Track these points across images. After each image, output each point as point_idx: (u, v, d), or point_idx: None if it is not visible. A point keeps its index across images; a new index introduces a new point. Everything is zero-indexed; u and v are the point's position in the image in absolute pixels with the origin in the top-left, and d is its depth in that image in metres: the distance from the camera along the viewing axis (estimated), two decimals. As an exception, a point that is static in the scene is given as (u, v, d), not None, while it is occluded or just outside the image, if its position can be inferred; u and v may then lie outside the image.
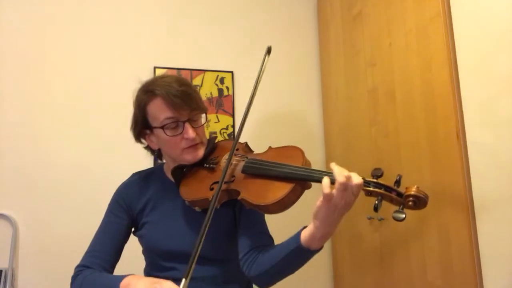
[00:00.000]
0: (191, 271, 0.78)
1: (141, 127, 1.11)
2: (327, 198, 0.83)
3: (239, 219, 1.10)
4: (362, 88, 1.87)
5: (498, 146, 1.19)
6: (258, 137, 2.16)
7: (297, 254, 0.91)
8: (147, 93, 1.08)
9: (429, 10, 1.43)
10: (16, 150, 1.84)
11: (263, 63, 1.10)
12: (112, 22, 2.05)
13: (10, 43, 1.90)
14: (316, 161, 2.21)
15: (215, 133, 2.11)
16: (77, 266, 1.10)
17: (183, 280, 0.76)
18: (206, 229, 0.84)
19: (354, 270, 1.93)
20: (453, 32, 1.35)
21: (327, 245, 2.25)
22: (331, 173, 0.84)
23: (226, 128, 2.13)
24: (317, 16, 2.37)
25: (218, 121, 2.12)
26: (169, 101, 1.04)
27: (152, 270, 1.16)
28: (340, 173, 0.83)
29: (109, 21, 2.05)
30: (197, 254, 0.82)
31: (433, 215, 1.40)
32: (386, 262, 1.67)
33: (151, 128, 1.10)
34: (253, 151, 1.15)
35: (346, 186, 0.82)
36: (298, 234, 0.91)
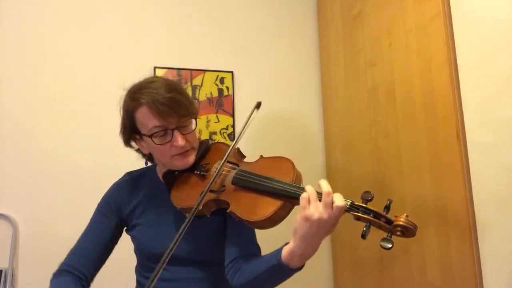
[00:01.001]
0: (155, 280, 0.77)
1: (130, 132, 1.10)
2: (304, 209, 0.83)
3: (228, 225, 1.10)
4: (362, 88, 1.86)
5: (498, 146, 1.19)
6: (257, 136, 2.16)
7: (277, 270, 0.91)
8: (133, 100, 1.05)
9: (429, 10, 1.43)
10: (16, 150, 1.84)
11: (250, 116, 1.07)
12: (112, 22, 2.05)
13: (10, 43, 1.90)
14: (316, 162, 2.22)
15: (215, 133, 2.11)
16: (60, 265, 1.09)
17: None
18: (181, 235, 0.83)
19: (354, 271, 1.93)
20: (453, 32, 1.35)
21: (327, 247, 2.26)
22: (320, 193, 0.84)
23: (226, 128, 2.13)
24: (317, 16, 2.37)
25: (218, 121, 2.12)
26: (155, 110, 1.00)
27: (142, 270, 1.16)
28: (312, 191, 0.84)
29: (109, 21, 2.05)
30: (166, 260, 0.80)
31: (433, 215, 1.40)
32: (386, 263, 1.67)
33: (140, 134, 1.08)
34: (245, 156, 1.14)
35: (326, 203, 0.82)
36: (280, 250, 0.91)
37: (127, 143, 1.14)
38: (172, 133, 1.04)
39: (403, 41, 1.58)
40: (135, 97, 1.05)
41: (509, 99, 1.16)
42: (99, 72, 1.99)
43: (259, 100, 1.11)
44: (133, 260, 1.21)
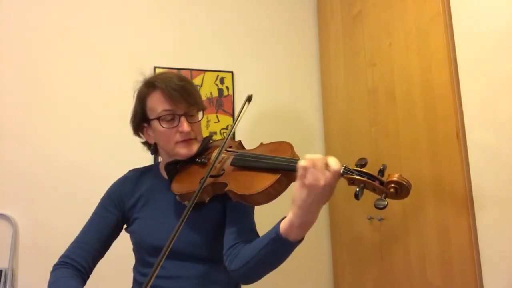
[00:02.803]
0: (153, 278, 0.78)
1: (140, 120, 1.15)
2: (301, 176, 0.83)
3: (227, 216, 1.10)
4: (362, 88, 1.87)
5: (498, 146, 1.19)
6: (257, 136, 2.15)
7: (276, 244, 0.89)
8: (147, 85, 1.13)
9: (429, 10, 1.43)
10: (16, 150, 1.85)
11: (241, 110, 1.11)
12: (112, 22, 2.05)
13: (11, 42, 1.90)
14: (316, 161, 2.21)
15: (215, 133, 2.11)
16: (61, 256, 1.11)
17: None
18: (184, 220, 0.84)
19: (354, 270, 1.93)
20: (453, 32, 1.35)
21: (326, 245, 2.26)
22: None
23: (226, 128, 2.13)
24: (317, 16, 2.37)
25: (218, 121, 2.12)
26: (167, 94, 1.08)
27: (139, 266, 1.16)
28: (310, 159, 0.83)
29: (109, 21, 2.05)
30: (170, 248, 0.82)
31: (433, 215, 1.40)
32: (386, 262, 1.67)
33: (148, 121, 1.13)
34: (245, 149, 1.17)
35: (314, 162, 0.81)
36: (277, 224, 0.90)
37: (135, 131, 1.19)
38: (179, 119, 1.10)
39: (403, 41, 1.58)
40: (150, 81, 1.13)
41: (509, 99, 1.16)
42: (100, 72, 1.99)
43: (250, 94, 1.16)
44: (131, 260, 1.21)
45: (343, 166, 0.85)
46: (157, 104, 1.10)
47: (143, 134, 1.19)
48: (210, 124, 2.11)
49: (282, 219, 0.90)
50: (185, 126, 1.09)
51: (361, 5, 1.88)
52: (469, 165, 1.28)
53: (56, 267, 1.09)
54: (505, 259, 1.16)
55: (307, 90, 2.32)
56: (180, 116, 1.10)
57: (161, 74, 1.16)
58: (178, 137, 1.10)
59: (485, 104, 1.23)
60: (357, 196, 0.82)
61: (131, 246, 1.19)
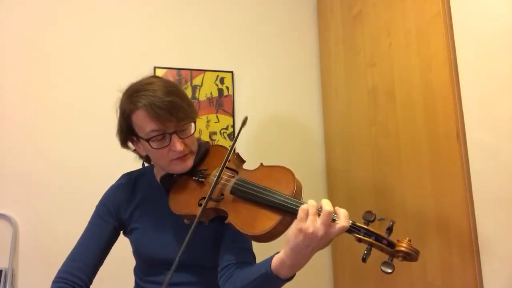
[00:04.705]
0: None
1: (127, 134, 1.07)
2: (300, 223, 0.81)
3: (225, 230, 1.08)
4: (362, 88, 1.86)
5: (498, 146, 1.19)
6: (257, 137, 2.16)
7: (266, 279, 0.88)
8: (130, 103, 1.02)
9: (429, 10, 1.43)
10: (17, 150, 1.85)
11: (238, 133, 1.03)
12: (112, 22, 2.05)
13: (11, 43, 1.90)
14: (316, 162, 2.22)
15: (215, 133, 2.11)
16: (59, 272, 1.07)
17: None
18: (182, 249, 0.84)
19: (354, 273, 1.93)
20: (453, 32, 1.35)
21: (327, 248, 2.24)
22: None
23: (226, 128, 2.13)
24: (317, 16, 2.37)
25: (218, 121, 2.12)
26: (153, 114, 0.97)
27: (141, 273, 1.15)
28: (312, 205, 0.82)
29: (109, 21, 2.05)
30: (171, 276, 0.82)
31: (433, 216, 1.40)
32: (386, 262, 1.67)
33: (137, 136, 1.05)
34: (244, 162, 1.11)
35: (314, 213, 0.80)
36: (270, 258, 0.89)
37: (123, 144, 1.12)
38: (170, 138, 1.01)
39: (403, 41, 1.58)
40: (132, 100, 1.01)
41: (509, 98, 1.16)
42: (100, 72, 1.99)
43: (245, 116, 1.07)
44: (132, 261, 1.21)
45: (349, 222, 0.82)
46: (144, 123, 0.99)
47: (132, 144, 1.11)
48: (210, 124, 2.11)
49: (276, 254, 0.89)
50: (177, 146, 0.99)
51: (361, 5, 1.88)
52: (469, 165, 1.28)
53: (55, 285, 1.05)
54: (505, 259, 1.16)
55: (307, 90, 2.32)
56: (170, 134, 1.00)
57: (143, 87, 1.02)
58: (171, 155, 1.02)
59: (485, 104, 1.23)
60: (364, 260, 0.80)
61: (130, 248, 1.19)
